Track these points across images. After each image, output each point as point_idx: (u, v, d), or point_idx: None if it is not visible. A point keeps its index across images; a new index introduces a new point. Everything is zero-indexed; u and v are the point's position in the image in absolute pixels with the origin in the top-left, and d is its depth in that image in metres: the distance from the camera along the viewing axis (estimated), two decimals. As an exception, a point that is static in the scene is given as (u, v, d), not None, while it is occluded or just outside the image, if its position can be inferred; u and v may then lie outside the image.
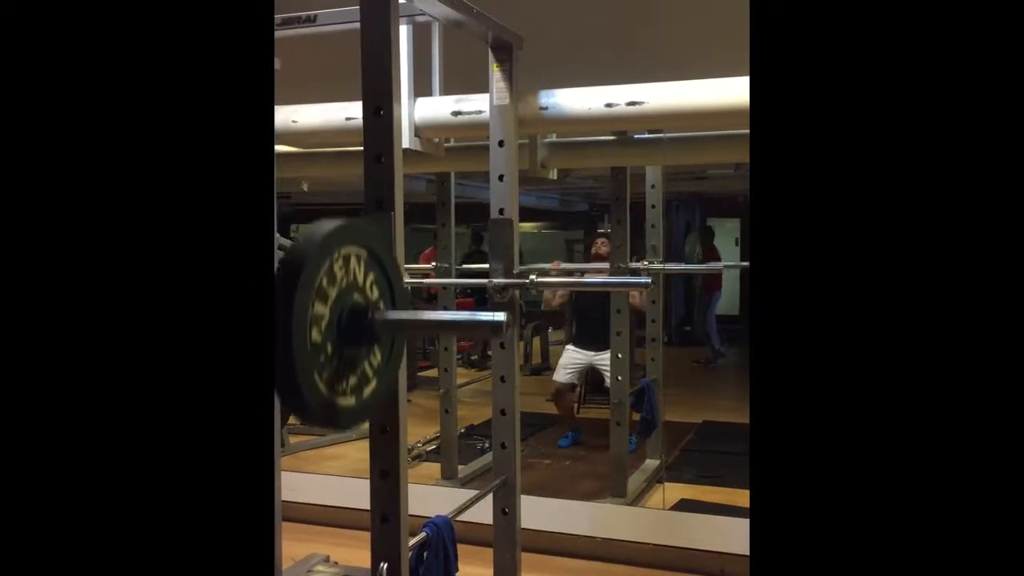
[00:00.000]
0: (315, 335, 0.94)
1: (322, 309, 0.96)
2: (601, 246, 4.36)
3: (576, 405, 4.57)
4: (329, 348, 0.97)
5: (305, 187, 5.10)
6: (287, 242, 5.05)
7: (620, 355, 3.51)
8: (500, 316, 1.07)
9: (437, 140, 2.39)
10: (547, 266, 4.52)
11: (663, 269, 3.71)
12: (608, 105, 2.18)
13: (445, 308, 3.81)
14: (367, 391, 1.05)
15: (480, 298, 6.74)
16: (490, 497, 1.91)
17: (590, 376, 4.40)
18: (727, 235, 9.04)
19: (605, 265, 3.96)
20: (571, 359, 4.39)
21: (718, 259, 7.53)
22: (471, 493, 1.94)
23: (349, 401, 1.01)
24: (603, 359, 4.01)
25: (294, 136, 2.64)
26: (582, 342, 4.37)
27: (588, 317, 4.32)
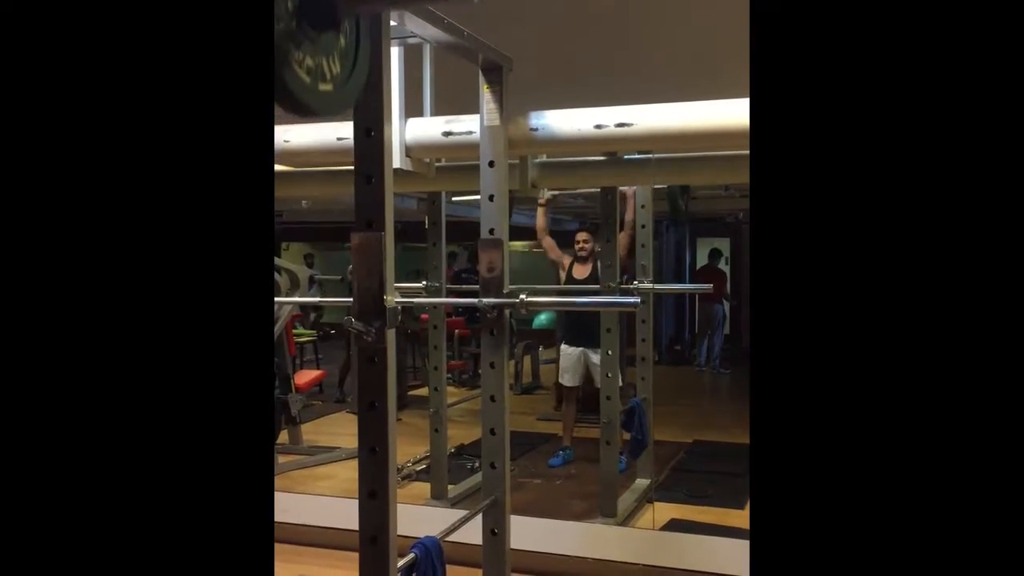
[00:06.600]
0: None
1: None
2: (584, 243, 4.35)
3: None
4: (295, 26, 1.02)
5: (305, 204, 5.11)
6: (284, 263, 5.00)
7: (610, 352, 3.53)
8: None
9: (428, 160, 2.40)
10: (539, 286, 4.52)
11: (653, 289, 3.72)
12: (597, 126, 2.20)
13: (435, 327, 3.81)
14: (335, 77, 1.13)
15: (472, 317, 6.74)
16: (479, 517, 1.91)
17: (583, 381, 4.40)
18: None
19: (596, 286, 3.96)
20: (567, 357, 4.44)
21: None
22: (461, 513, 1.93)
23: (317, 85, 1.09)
24: (595, 356, 4.05)
25: (286, 156, 2.65)
26: (574, 340, 4.41)
27: (578, 314, 4.35)
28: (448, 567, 1.67)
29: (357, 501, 1.45)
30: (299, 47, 1.05)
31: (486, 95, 1.93)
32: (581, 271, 4.38)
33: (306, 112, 1.10)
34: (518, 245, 9.37)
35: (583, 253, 4.34)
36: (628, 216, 3.88)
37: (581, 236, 4.38)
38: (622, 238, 3.79)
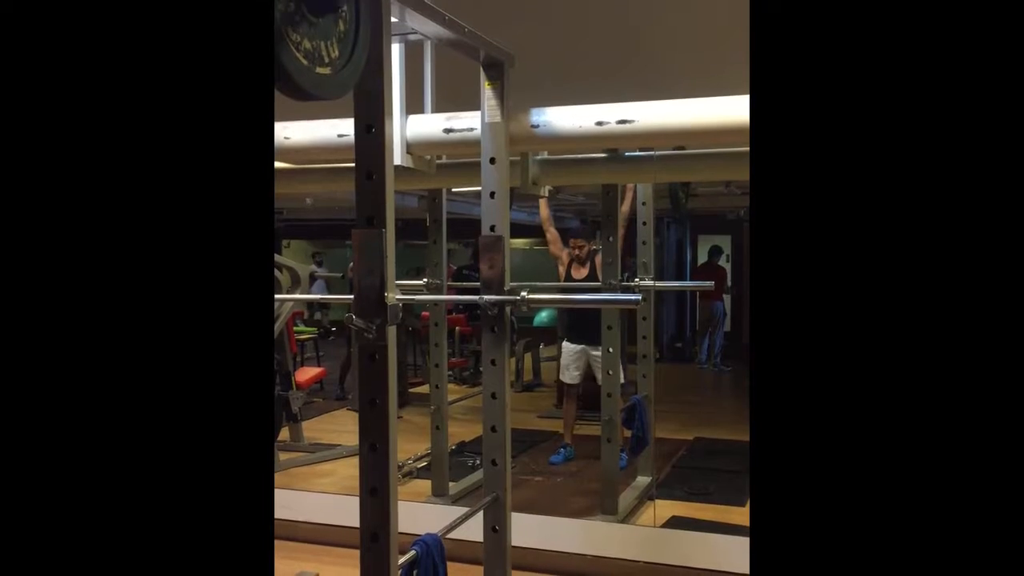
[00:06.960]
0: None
1: None
2: (578, 248, 4.38)
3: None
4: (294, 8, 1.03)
5: (310, 202, 5.10)
6: (285, 260, 5.00)
7: (611, 349, 3.53)
8: None
9: (428, 157, 2.40)
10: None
11: (654, 286, 3.72)
12: (599, 123, 2.19)
13: (436, 324, 3.81)
14: (334, 60, 1.14)
15: (472, 314, 6.74)
16: (480, 514, 1.91)
17: (584, 379, 4.42)
18: (718, 252, 9.08)
19: (596, 284, 3.96)
20: (569, 353, 4.46)
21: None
22: (462, 510, 1.93)
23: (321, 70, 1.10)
24: (596, 353, 4.07)
25: (286, 153, 2.65)
26: (575, 337, 4.44)
27: (579, 312, 4.37)
28: (449, 564, 1.67)
29: (358, 498, 1.45)
30: (297, 29, 1.06)
31: (487, 91, 1.92)
32: (579, 272, 4.43)
33: (302, 95, 1.10)
34: (519, 242, 9.37)
35: (579, 261, 4.39)
36: (624, 208, 3.87)
37: (575, 242, 4.44)
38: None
